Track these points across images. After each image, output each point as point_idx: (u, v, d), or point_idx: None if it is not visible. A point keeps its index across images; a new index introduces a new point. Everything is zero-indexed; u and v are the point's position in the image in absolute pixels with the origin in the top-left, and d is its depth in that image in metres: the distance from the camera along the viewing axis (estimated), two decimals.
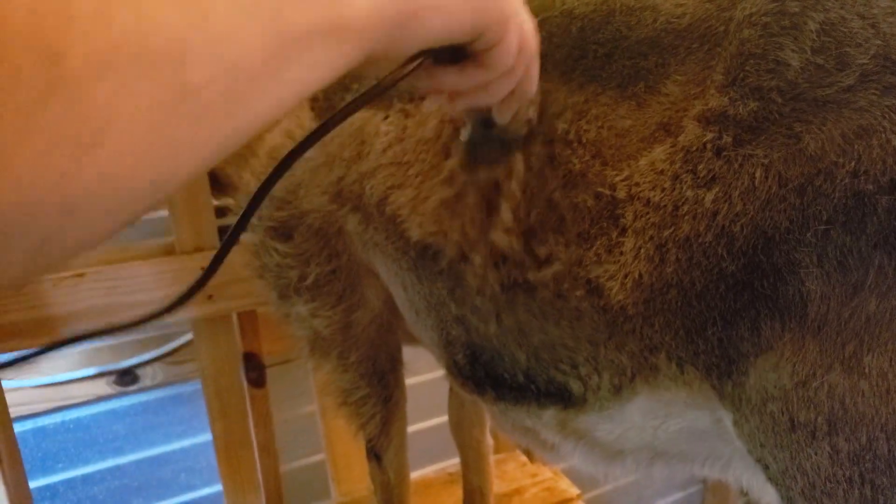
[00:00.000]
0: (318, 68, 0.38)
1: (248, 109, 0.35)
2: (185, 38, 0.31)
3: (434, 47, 0.48)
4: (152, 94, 0.30)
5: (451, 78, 0.52)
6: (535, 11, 0.73)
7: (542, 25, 0.72)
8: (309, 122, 0.89)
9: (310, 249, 0.90)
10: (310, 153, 0.87)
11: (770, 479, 0.57)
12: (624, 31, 0.67)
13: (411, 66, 0.49)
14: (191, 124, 0.32)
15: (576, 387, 0.72)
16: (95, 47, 0.28)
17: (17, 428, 1.24)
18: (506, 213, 0.71)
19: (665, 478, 0.80)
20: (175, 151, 0.32)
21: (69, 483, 1.47)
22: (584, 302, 0.67)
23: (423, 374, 1.65)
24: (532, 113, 0.70)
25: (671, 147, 0.61)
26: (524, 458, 1.57)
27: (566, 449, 0.82)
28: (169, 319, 1.23)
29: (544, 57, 0.70)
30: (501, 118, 0.63)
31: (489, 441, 1.27)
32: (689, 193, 0.59)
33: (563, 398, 0.74)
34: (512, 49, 0.51)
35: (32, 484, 1.29)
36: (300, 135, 0.89)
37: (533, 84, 0.59)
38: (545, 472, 1.52)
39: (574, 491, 1.45)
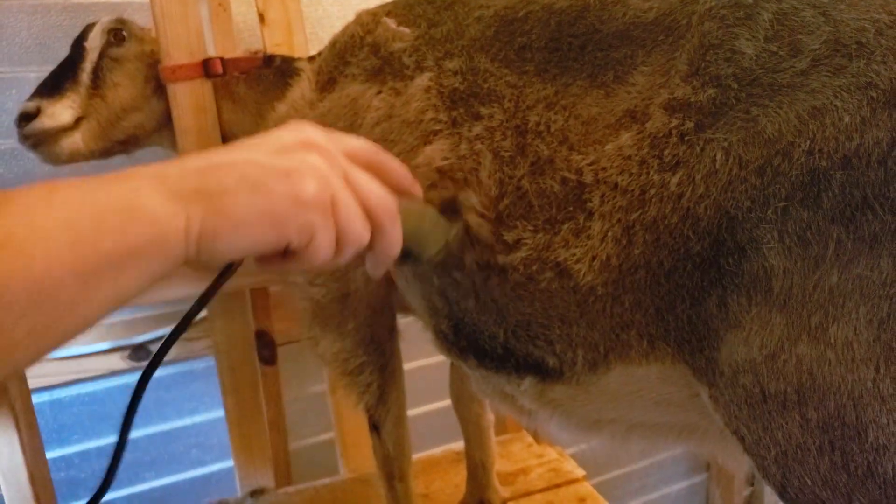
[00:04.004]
0: (130, 283, 0.44)
1: (58, 332, 0.42)
2: (6, 286, 0.38)
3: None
4: None
5: (285, 266, 0.55)
6: (520, 5, 0.77)
7: (525, 19, 0.76)
8: (310, 94, 0.93)
9: None
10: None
11: (746, 449, 0.59)
12: (597, 25, 0.71)
13: (227, 275, 0.57)
14: (6, 352, 0.39)
15: (552, 361, 0.75)
16: None
17: (35, 399, 1.27)
18: (477, 199, 0.74)
19: (642, 450, 0.82)
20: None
21: (84, 454, 1.50)
22: (553, 283, 0.70)
23: (431, 357, 1.67)
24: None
25: (638, 133, 0.64)
26: (530, 439, 1.59)
27: (543, 416, 0.85)
28: (184, 294, 1.26)
29: (524, 49, 0.75)
30: (373, 274, 0.63)
31: (490, 416, 1.29)
32: (656, 177, 0.62)
33: (541, 371, 0.77)
34: (319, 253, 0.53)
35: (49, 454, 1.32)
36: (302, 105, 0.93)
37: (389, 251, 0.58)
38: (551, 453, 1.53)
39: (579, 472, 1.46)
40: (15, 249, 0.39)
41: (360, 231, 0.54)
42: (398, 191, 0.61)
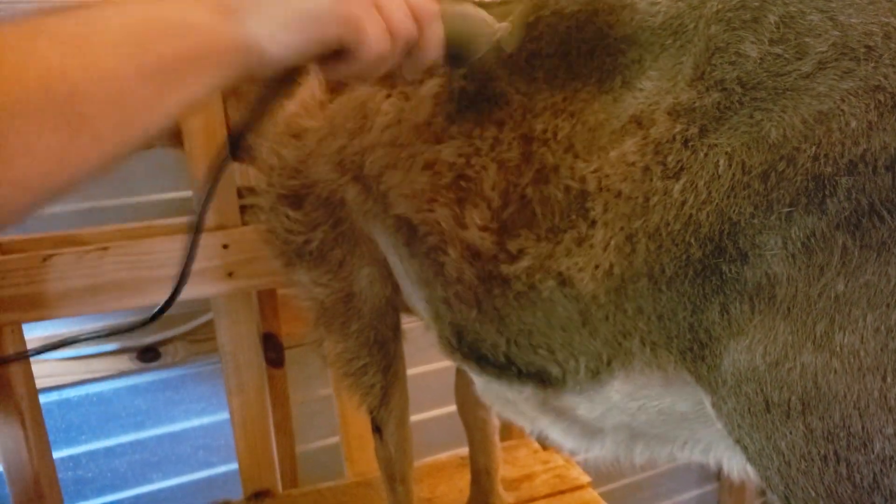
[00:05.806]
0: (195, 88, 0.48)
1: (137, 127, 0.46)
2: (78, 83, 0.41)
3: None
4: (53, 130, 0.40)
5: (341, 69, 0.60)
6: (532, 11, 0.76)
7: (536, 24, 0.75)
8: (320, 95, 0.93)
9: (318, 218, 0.93)
10: (317, 123, 0.90)
11: (749, 459, 0.58)
12: (605, 29, 0.70)
13: (288, 81, 0.63)
14: (87, 146, 0.42)
15: (554, 370, 0.74)
16: (8, 99, 0.38)
17: (43, 399, 1.27)
18: (479, 213, 0.74)
19: (647, 460, 0.81)
20: (76, 167, 0.42)
21: (91, 455, 1.51)
22: (555, 292, 0.69)
23: (436, 362, 1.66)
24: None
25: (642, 139, 0.63)
26: (536, 445, 1.58)
27: (544, 423, 0.84)
28: (190, 296, 1.26)
29: (534, 56, 0.74)
30: (410, 76, 0.68)
31: (495, 422, 1.28)
32: (659, 184, 0.61)
33: (543, 379, 0.76)
34: (373, 45, 0.57)
35: (56, 454, 1.32)
36: (312, 105, 0.93)
37: (431, 48, 0.63)
38: (557, 459, 1.52)
39: (585, 478, 1.45)
40: (83, 49, 0.42)
41: (406, 22, 0.58)
42: None
